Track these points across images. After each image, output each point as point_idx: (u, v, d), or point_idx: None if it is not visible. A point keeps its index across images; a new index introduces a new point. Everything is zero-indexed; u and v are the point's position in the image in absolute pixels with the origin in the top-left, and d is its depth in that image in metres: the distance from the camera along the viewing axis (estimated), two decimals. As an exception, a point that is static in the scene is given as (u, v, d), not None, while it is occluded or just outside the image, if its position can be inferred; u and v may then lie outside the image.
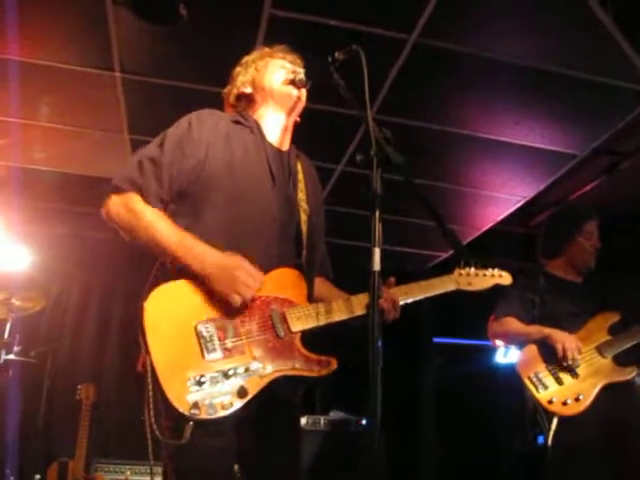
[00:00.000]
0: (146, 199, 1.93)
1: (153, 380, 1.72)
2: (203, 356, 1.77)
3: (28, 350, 5.03)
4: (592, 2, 2.98)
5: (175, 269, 1.87)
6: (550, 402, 3.03)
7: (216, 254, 1.85)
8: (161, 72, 3.72)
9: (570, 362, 3.08)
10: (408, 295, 2.16)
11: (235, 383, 1.77)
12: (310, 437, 5.03)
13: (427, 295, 2.22)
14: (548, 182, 4.79)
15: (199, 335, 1.79)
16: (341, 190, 5.02)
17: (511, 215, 5.39)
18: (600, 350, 3.15)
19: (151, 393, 1.72)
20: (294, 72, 2.20)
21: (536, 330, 3.20)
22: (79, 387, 4.97)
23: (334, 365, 1.94)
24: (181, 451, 1.73)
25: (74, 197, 5.42)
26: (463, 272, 2.35)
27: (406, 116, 4.02)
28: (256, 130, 2.18)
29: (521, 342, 3.32)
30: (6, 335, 4.81)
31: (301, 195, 2.18)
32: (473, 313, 3.69)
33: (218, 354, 1.79)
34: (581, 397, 3.01)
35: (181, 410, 1.68)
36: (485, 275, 2.39)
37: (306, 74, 2.14)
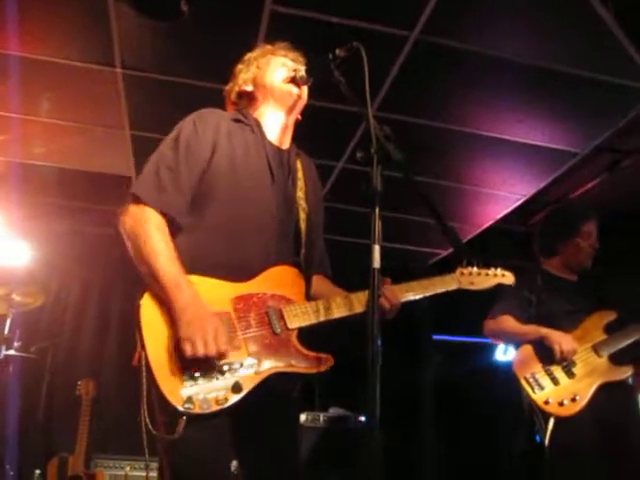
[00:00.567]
0: (163, 214, 1.92)
1: (148, 375, 1.73)
2: None
3: (28, 346, 5.04)
4: (594, 0, 2.98)
5: None
6: (546, 403, 3.03)
7: (198, 305, 1.81)
8: (162, 68, 3.71)
9: (566, 362, 3.08)
10: (409, 293, 2.16)
11: (230, 378, 1.78)
12: (309, 434, 5.04)
13: (428, 294, 2.22)
14: (549, 180, 4.79)
15: None
16: (341, 187, 5.02)
17: (511, 213, 5.38)
18: (596, 349, 3.15)
19: (145, 387, 1.73)
20: (295, 70, 2.20)
21: (532, 330, 3.20)
22: (79, 382, 4.98)
23: (330, 362, 1.94)
24: (175, 446, 1.73)
25: (74, 193, 5.42)
26: (465, 271, 2.35)
27: (407, 113, 4.02)
28: (256, 129, 2.18)
29: (517, 341, 3.31)
30: (6, 331, 4.81)
31: (300, 193, 2.18)
32: (472, 310, 3.69)
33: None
34: (577, 397, 3.01)
35: (175, 404, 1.70)
36: (487, 274, 2.39)
37: (307, 71, 2.14)
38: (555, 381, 3.08)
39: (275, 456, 1.98)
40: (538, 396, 3.05)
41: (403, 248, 6.19)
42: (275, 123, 2.23)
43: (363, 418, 5.00)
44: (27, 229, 5.63)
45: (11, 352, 4.79)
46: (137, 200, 1.94)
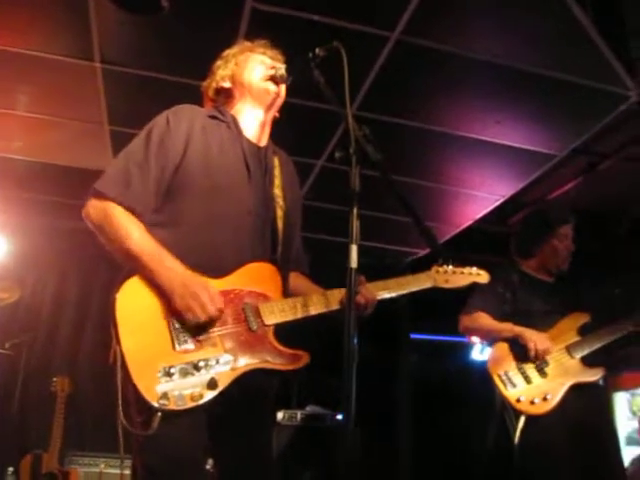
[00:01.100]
0: (130, 209, 1.91)
1: (123, 371, 1.72)
2: (174, 347, 1.78)
3: (3, 341, 4.99)
4: (572, 4, 3.01)
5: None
6: (518, 401, 3.05)
7: (184, 272, 1.84)
8: (142, 63, 3.69)
9: (540, 361, 3.11)
10: (385, 291, 2.17)
11: (205, 375, 1.77)
12: (286, 431, 5.05)
13: (404, 292, 2.24)
14: (527, 181, 4.83)
15: (170, 326, 1.80)
16: (321, 186, 5.03)
17: (490, 213, 5.42)
18: (569, 350, 3.18)
19: (120, 383, 1.72)
20: (274, 68, 2.19)
21: (508, 328, 3.22)
22: (54, 379, 4.94)
23: (306, 359, 1.95)
24: (150, 443, 1.73)
25: (52, 187, 5.37)
26: (440, 269, 2.36)
27: (387, 113, 4.03)
28: (233, 125, 2.17)
29: (492, 338, 3.34)
30: (-20, 326, 4.77)
31: (277, 191, 2.17)
32: (450, 309, 3.71)
33: (189, 345, 1.79)
34: (549, 397, 3.04)
35: (150, 400, 1.69)
36: (463, 273, 2.41)
37: (287, 69, 2.14)
38: (528, 380, 3.10)
39: (249, 455, 1.98)
40: (510, 393, 3.08)
41: (380, 246, 6.21)
42: (252, 120, 2.22)
43: (340, 416, 5.01)
44: (3, 223, 5.57)
45: (-15, 348, 4.74)
46: (100, 195, 1.92)
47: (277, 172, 2.21)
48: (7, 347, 4.98)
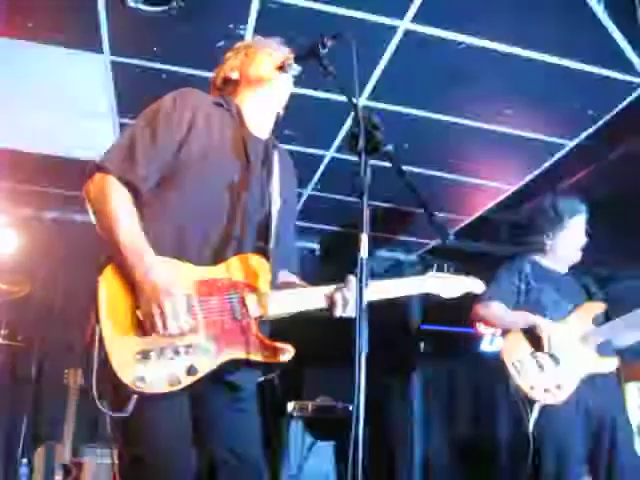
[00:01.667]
0: (129, 183, 1.91)
1: (100, 351, 1.71)
2: (154, 332, 1.75)
3: (15, 334, 5.02)
4: (584, -9, 2.98)
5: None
6: (532, 388, 3.06)
7: (159, 275, 1.79)
8: (150, 55, 3.68)
9: (554, 351, 3.10)
10: (375, 294, 2.10)
11: (185, 361, 1.77)
12: (297, 422, 5.06)
13: (396, 295, 2.19)
14: (538, 171, 4.80)
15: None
16: (331, 176, 5.02)
17: (500, 203, 5.40)
18: (583, 340, 3.17)
19: (97, 363, 1.71)
20: (284, 59, 2.16)
21: (522, 317, 3.22)
22: (66, 371, 4.96)
23: (290, 353, 1.91)
24: (130, 425, 1.74)
25: (61, 180, 5.37)
26: (435, 276, 2.32)
27: (396, 103, 4.01)
28: (236, 114, 2.17)
29: (506, 328, 3.34)
30: (-8, 319, 4.80)
31: (274, 185, 2.16)
32: (461, 301, 3.70)
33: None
34: (562, 386, 3.04)
35: (126, 382, 1.68)
36: (457, 282, 2.37)
37: (296, 60, 2.13)
38: (542, 368, 3.11)
39: (229, 447, 1.97)
40: (524, 382, 3.08)
41: (391, 237, 6.20)
42: (256, 112, 2.22)
43: (351, 407, 5.02)
44: (13, 217, 5.59)
45: (-2, 340, 4.78)
46: (101, 169, 1.92)
47: (275, 167, 2.19)
48: (19, 340, 5.01)
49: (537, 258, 3.46)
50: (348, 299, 2.01)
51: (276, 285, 2.11)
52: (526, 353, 3.16)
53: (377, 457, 4.99)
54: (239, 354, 1.86)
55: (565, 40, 3.37)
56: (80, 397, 4.85)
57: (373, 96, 3.86)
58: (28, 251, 5.56)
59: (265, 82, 2.20)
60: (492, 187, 5.13)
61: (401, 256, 6.67)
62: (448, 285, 2.33)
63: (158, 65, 3.75)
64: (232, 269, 1.95)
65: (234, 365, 1.86)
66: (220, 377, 1.85)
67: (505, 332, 3.37)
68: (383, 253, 6.54)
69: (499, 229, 5.88)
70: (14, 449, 5.00)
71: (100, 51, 3.62)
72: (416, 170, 4.79)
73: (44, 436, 4.95)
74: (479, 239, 6.10)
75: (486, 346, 6.39)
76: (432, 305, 6.47)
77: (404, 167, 1.80)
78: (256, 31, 3.34)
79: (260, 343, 1.90)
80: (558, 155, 4.56)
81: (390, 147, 1.74)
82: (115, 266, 1.82)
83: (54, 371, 5.20)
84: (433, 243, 6.40)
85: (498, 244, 5.97)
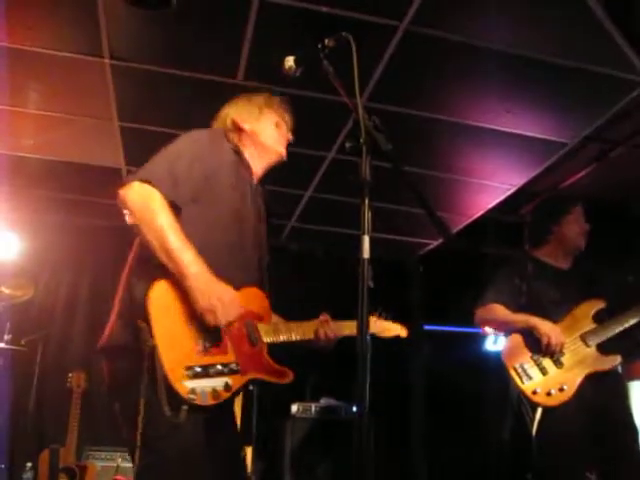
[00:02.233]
0: (172, 204, 2.03)
1: (157, 364, 1.84)
2: (196, 349, 1.94)
3: (18, 338, 5.02)
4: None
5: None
6: (534, 393, 3.04)
7: (209, 275, 1.98)
8: (151, 59, 3.68)
9: (555, 354, 3.09)
10: (345, 330, 2.45)
11: (222, 378, 1.97)
12: (300, 424, 5.06)
13: (345, 335, 2.45)
14: (538, 170, 4.80)
15: (194, 330, 1.96)
16: (332, 178, 5.03)
17: (502, 203, 5.40)
18: (584, 339, 3.16)
19: (149, 377, 1.85)
20: (287, 141, 2.51)
21: (522, 319, 3.20)
22: (69, 375, 4.97)
23: (290, 377, 2.20)
24: (173, 433, 1.85)
25: (64, 185, 5.39)
26: (375, 318, 2.72)
27: (397, 104, 4.02)
28: (248, 168, 2.42)
29: (507, 330, 3.33)
30: (-4, 323, 4.81)
31: (263, 228, 2.45)
32: (463, 300, 3.71)
33: (208, 349, 1.97)
34: (565, 387, 3.02)
35: (181, 393, 1.84)
36: (390, 326, 2.79)
37: (296, 61, 2.13)
38: (544, 371, 3.09)
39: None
40: (526, 386, 3.06)
41: (393, 239, 6.20)
42: (255, 165, 2.46)
43: (354, 408, 5.02)
44: (16, 221, 5.60)
45: (1, 345, 4.78)
46: (145, 182, 2.02)
47: (262, 212, 2.47)
48: (22, 344, 5.02)
49: (538, 256, 3.44)
50: (331, 336, 2.38)
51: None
52: (527, 356, 3.14)
53: (384, 458, 4.99)
54: (258, 375, 2.11)
55: (566, 40, 3.37)
56: (83, 400, 4.86)
57: (373, 97, 3.87)
58: (30, 255, 5.57)
59: (272, 152, 2.50)
60: (493, 187, 5.13)
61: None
62: (381, 328, 2.75)
63: (158, 68, 3.74)
64: (245, 299, 2.13)
65: (251, 384, 2.11)
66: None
67: (507, 332, 3.36)
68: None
69: (500, 229, 5.88)
70: (18, 453, 5.01)
71: (100, 55, 3.62)
72: (416, 170, 4.79)
73: (48, 440, 4.95)
74: (481, 239, 6.10)
75: (490, 345, 6.39)
76: (435, 305, 6.48)
77: (404, 168, 1.80)
78: (256, 32, 3.34)
79: (270, 366, 2.18)
80: (559, 154, 4.55)
81: (391, 148, 1.74)
82: (161, 284, 1.95)
83: (57, 374, 5.21)
84: (434, 244, 6.40)
85: (499, 244, 5.97)
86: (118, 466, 4.74)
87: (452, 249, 6.07)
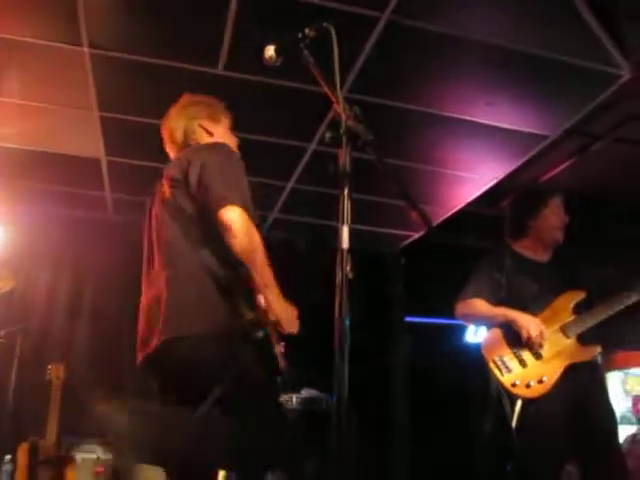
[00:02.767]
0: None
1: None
2: None
3: (-3, 330, 4.98)
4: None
5: None
6: (514, 385, 3.06)
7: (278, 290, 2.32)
8: (131, 48, 3.64)
9: (534, 346, 3.11)
10: None
11: None
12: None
13: None
14: (519, 163, 4.82)
15: None
16: (313, 169, 5.01)
17: (482, 196, 5.42)
18: (564, 330, 3.18)
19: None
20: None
21: (501, 313, 3.22)
22: (49, 367, 4.93)
23: None
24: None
25: (44, 175, 5.33)
26: None
27: (378, 95, 4.01)
28: None
29: (487, 324, 3.35)
30: (-25, 315, 4.76)
31: None
32: (444, 292, 3.72)
33: None
34: (544, 379, 3.04)
35: None
36: None
37: (276, 50, 2.12)
38: (523, 363, 3.11)
39: None
40: (505, 378, 3.08)
41: (373, 230, 6.20)
42: None
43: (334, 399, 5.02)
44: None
45: (-21, 336, 4.73)
46: (238, 206, 2.22)
47: None
48: (1, 335, 4.97)
49: (518, 249, 3.44)
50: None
51: None
52: (506, 349, 3.16)
53: (366, 450, 5.00)
54: None
55: (546, 33, 3.38)
56: (62, 392, 4.82)
57: (354, 88, 3.86)
58: (11, 247, 5.51)
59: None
60: (474, 179, 5.15)
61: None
62: None
63: (138, 57, 3.70)
64: None
65: None
66: None
67: (488, 326, 3.37)
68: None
69: (481, 222, 5.90)
70: (-3, 445, 4.97)
71: (79, 44, 3.57)
72: (397, 162, 4.79)
73: (27, 432, 4.91)
74: (460, 232, 6.12)
75: (471, 337, 6.43)
76: (416, 296, 6.51)
77: (385, 159, 1.80)
78: (236, 22, 3.32)
79: None
80: (540, 147, 4.57)
81: (371, 138, 1.74)
82: None
83: (36, 367, 5.16)
84: (415, 236, 6.41)
85: (480, 237, 5.99)
86: (98, 457, 4.72)
87: (433, 241, 6.08)
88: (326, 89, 1.85)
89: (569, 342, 3.17)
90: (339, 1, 3.19)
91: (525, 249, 3.43)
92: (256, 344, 2.23)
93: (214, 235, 2.23)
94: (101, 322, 5.75)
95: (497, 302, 3.28)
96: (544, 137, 4.43)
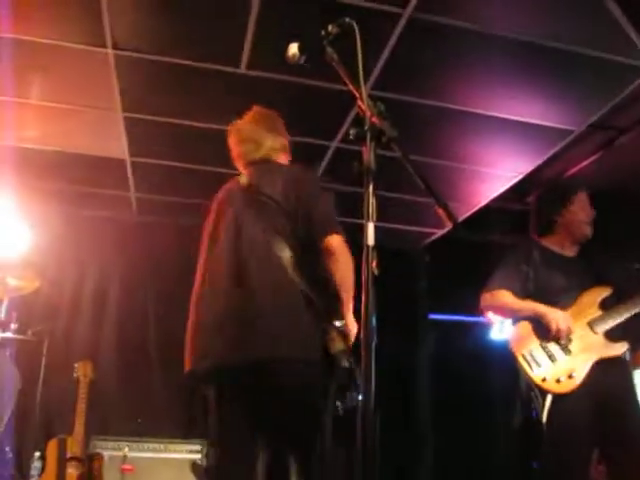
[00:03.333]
0: None
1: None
2: None
3: (25, 328, 5.04)
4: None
5: None
6: (544, 380, 3.04)
7: None
8: (154, 49, 3.67)
9: (563, 341, 3.09)
10: None
11: None
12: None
13: None
14: (544, 158, 4.78)
15: None
16: (336, 167, 5.01)
17: (507, 191, 5.38)
18: (592, 326, 3.15)
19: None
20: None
21: (529, 307, 3.19)
22: (76, 365, 4.98)
23: None
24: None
25: (68, 176, 5.38)
26: None
27: (401, 92, 4.00)
28: None
29: (514, 317, 3.32)
30: (2, 314, 4.81)
31: None
32: (468, 289, 3.70)
33: None
34: (574, 374, 3.02)
35: None
36: None
37: (300, 48, 2.12)
38: (552, 358, 3.09)
39: None
40: (535, 374, 3.06)
41: (397, 228, 6.18)
42: None
43: (360, 397, 5.02)
44: (22, 213, 5.60)
45: (8, 335, 4.79)
46: (338, 232, 2.44)
47: None
48: (29, 334, 5.04)
49: (545, 243, 3.41)
50: None
51: None
52: (536, 344, 3.14)
53: (390, 447, 4.99)
54: None
55: (571, 26, 3.34)
56: (90, 390, 4.87)
57: (377, 85, 3.85)
58: (36, 247, 5.57)
59: None
60: (499, 175, 5.11)
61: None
62: None
63: (161, 58, 3.73)
64: None
65: None
66: None
67: (515, 320, 3.35)
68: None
69: (506, 218, 5.86)
70: (26, 443, 5.03)
71: (103, 45, 3.60)
72: (421, 159, 4.77)
73: (55, 429, 4.97)
74: (485, 229, 6.08)
75: (496, 334, 6.37)
76: (440, 294, 6.48)
77: (410, 156, 1.79)
78: (259, 20, 3.32)
79: None
80: (565, 142, 4.53)
81: (396, 135, 1.73)
82: None
83: (64, 364, 5.23)
84: (439, 233, 6.38)
85: (504, 233, 5.95)
86: (125, 455, 4.76)
87: (457, 238, 6.04)
88: (350, 86, 1.84)
89: (597, 338, 3.14)
90: (361, -1, 3.18)
91: (552, 244, 3.40)
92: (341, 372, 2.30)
93: (309, 257, 2.36)
94: (126, 320, 5.81)
95: (524, 295, 3.25)
96: (569, 132, 4.39)
